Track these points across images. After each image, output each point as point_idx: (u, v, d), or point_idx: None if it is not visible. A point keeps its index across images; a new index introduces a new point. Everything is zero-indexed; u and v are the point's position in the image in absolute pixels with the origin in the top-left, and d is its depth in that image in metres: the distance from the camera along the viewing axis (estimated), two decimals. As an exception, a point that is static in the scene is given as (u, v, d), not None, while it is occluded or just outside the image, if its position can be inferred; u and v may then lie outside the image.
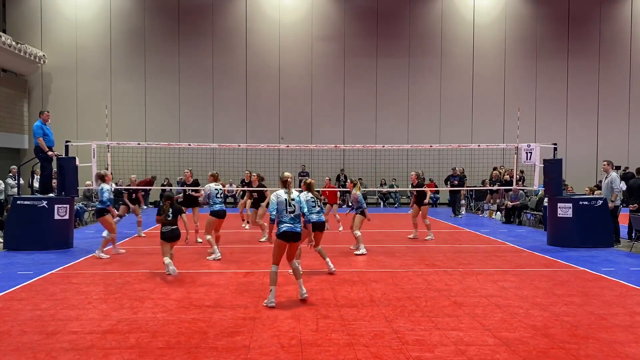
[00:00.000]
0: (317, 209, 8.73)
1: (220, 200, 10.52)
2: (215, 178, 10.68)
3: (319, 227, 8.61)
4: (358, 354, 5.04)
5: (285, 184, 7.08)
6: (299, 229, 6.91)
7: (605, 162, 12.47)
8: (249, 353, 5.07)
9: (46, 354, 5.03)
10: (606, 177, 12.35)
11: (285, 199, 6.88)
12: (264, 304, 6.71)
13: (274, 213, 6.79)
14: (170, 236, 8.65)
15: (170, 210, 8.74)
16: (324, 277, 8.46)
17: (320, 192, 13.06)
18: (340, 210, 17.06)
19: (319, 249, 8.64)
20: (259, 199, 12.73)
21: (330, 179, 17.83)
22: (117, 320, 6.06)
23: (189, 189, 13.37)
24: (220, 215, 10.44)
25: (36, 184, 14.29)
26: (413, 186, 13.36)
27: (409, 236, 13.30)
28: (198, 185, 13.46)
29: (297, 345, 5.28)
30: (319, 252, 8.72)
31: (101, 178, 10.71)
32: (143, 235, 13.78)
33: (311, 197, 8.56)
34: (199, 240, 12.20)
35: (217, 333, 5.65)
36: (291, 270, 7.36)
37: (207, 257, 10.14)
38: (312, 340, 5.43)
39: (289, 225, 6.81)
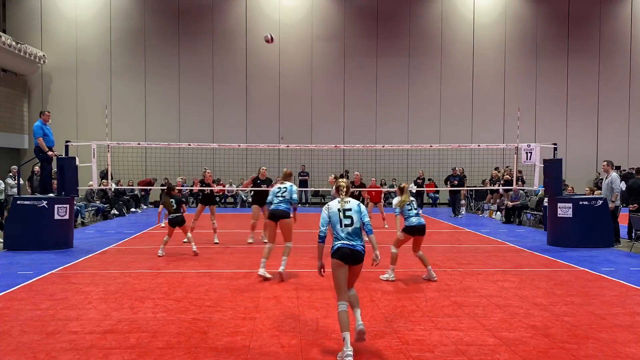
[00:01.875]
0: (414, 211, 8.31)
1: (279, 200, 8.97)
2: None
3: (419, 230, 8.25)
4: (358, 354, 5.03)
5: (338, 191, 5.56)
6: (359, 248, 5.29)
7: (605, 163, 12.47)
8: (249, 353, 5.07)
9: (46, 354, 5.03)
10: (606, 177, 12.35)
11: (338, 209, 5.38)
12: None
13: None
14: (174, 222, 10.33)
15: (173, 200, 10.38)
16: (323, 277, 8.43)
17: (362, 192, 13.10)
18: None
19: (420, 254, 8.33)
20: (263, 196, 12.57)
21: (375, 180, 18.15)
22: (117, 320, 6.06)
23: (207, 189, 13.35)
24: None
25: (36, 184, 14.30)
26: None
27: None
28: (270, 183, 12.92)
29: (297, 345, 5.28)
30: (420, 257, 8.33)
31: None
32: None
33: (406, 202, 8.27)
34: (216, 240, 12.16)
35: (217, 333, 5.65)
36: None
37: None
38: (312, 340, 5.43)
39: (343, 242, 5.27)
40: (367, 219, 5.41)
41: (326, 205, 5.49)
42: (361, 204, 5.52)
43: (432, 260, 10.00)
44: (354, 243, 5.25)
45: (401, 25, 25.30)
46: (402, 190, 8.51)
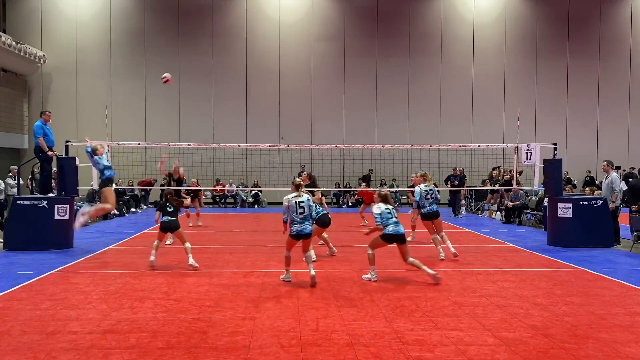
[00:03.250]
0: (394, 219, 8.15)
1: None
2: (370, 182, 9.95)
3: (398, 239, 8.10)
4: (358, 354, 5.04)
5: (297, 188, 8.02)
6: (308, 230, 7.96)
7: (605, 163, 12.46)
8: (249, 353, 5.07)
9: (46, 354, 5.03)
10: (606, 178, 12.35)
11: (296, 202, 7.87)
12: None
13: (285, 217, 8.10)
14: (167, 226, 9.40)
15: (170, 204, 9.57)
16: (323, 277, 8.45)
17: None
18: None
19: (411, 260, 8.11)
20: None
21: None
22: (117, 320, 6.06)
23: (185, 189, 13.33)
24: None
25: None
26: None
27: (408, 238, 13.18)
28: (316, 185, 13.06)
29: (297, 345, 5.28)
30: (412, 263, 8.12)
31: (94, 151, 10.91)
32: (200, 224, 15.04)
33: (385, 208, 8.16)
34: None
35: (217, 333, 5.65)
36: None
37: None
38: (312, 340, 5.43)
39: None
40: (314, 209, 8.60)
41: (285, 198, 7.95)
42: (310, 197, 8.09)
43: (433, 260, 10.00)
44: (305, 225, 7.87)
45: (401, 25, 25.30)
46: (384, 199, 8.29)
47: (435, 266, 9.01)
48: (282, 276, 8.26)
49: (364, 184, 18.57)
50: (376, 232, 8.18)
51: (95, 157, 10.83)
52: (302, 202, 7.85)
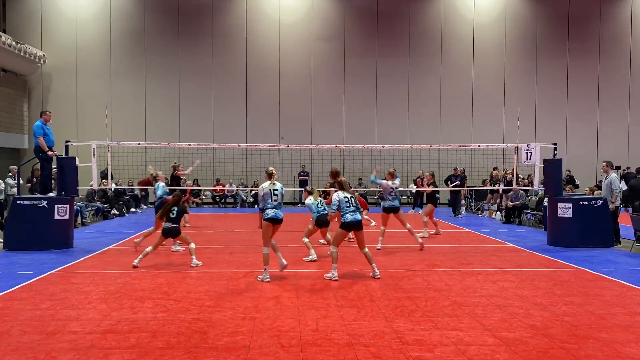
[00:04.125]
0: (352, 208, 8.37)
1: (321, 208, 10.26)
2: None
3: (355, 226, 8.34)
4: (358, 354, 5.04)
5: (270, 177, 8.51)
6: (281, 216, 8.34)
7: (604, 163, 12.46)
8: (249, 353, 5.07)
9: (46, 354, 5.03)
10: (606, 178, 12.35)
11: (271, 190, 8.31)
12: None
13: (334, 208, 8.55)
14: (168, 232, 9.37)
15: (175, 208, 9.43)
16: (323, 277, 8.45)
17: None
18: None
19: (365, 251, 8.41)
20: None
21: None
22: (117, 320, 6.06)
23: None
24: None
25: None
26: (428, 185, 14.53)
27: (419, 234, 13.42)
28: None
29: (297, 345, 5.28)
30: (365, 254, 8.43)
31: (154, 179, 11.64)
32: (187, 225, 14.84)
33: (344, 196, 8.41)
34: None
35: (217, 333, 5.65)
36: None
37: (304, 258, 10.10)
38: (312, 340, 5.43)
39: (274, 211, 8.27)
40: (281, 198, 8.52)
41: (260, 186, 8.49)
42: (282, 187, 8.49)
43: (433, 260, 10.02)
44: (278, 212, 8.26)
45: (401, 25, 25.30)
46: (342, 186, 8.55)
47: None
48: (260, 276, 8.27)
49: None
50: (335, 219, 8.67)
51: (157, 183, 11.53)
52: (276, 190, 8.33)
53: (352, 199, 8.47)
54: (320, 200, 10.32)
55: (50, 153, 11.85)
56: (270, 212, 8.19)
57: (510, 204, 16.86)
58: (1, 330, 5.73)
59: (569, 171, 23.25)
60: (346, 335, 5.57)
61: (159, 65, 24.71)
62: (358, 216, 8.37)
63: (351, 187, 11.15)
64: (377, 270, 8.39)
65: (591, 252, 10.93)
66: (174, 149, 22.13)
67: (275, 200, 8.26)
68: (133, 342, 5.34)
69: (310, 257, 9.94)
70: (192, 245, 9.51)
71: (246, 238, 13.25)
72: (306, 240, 10.22)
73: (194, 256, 9.37)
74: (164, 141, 19.81)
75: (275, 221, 8.24)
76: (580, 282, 8.20)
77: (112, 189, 18.69)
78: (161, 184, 11.58)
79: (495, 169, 20.72)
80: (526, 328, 5.85)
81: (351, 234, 8.97)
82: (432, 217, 13.85)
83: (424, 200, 15.33)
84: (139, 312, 6.40)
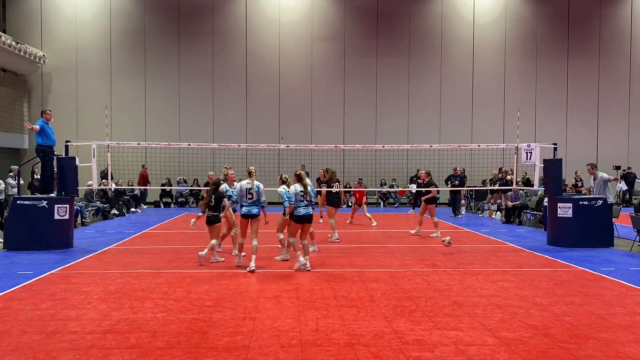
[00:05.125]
0: (305, 202, 8.96)
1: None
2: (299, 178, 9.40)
3: (306, 219, 8.99)
4: (358, 354, 5.04)
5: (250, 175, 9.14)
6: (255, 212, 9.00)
7: (589, 166, 12.64)
8: (249, 353, 5.07)
9: (46, 354, 5.03)
10: (595, 179, 12.45)
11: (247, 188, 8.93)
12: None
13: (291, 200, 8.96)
14: (209, 221, 9.56)
15: (213, 196, 9.40)
16: (323, 276, 8.46)
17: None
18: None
19: (304, 243, 9.07)
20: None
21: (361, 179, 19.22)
22: (117, 320, 6.06)
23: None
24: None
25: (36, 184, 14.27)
26: (423, 184, 14.35)
27: (411, 232, 13.91)
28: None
29: (297, 345, 5.28)
30: (303, 245, 9.05)
31: (225, 179, 11.02)
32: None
33: (300, 190, 8.94)
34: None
35: (217, 333, 5.65)
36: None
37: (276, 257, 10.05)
38: (312, 340, 5.43)
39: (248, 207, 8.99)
40: (263, 198, 9.20)
41: (238, 185, 9.15)
42: (260, 185, 9.05)
43: (433, 260, 10.02)
44: (252, 208, 8.94)
45: (401, 25, 25.30)
46: (299, 179, 9.01)
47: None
48: (237, 261, 9.19)
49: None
50: (290, 209, 9.06)
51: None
52: (251, 189, 8.95)
53: (306, 194, 8.98)
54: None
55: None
56: (244, 210, 9.00)
57: (510, 204, 16.86)
58: (1, 330, 5.73)
59: (576, 172, 22.61)
60: (346, 335, 5.57)
61: (159, 65, 24.71)
62: (310, 210, 9.05)
63: (337, 183, 12.60)
64: (304, 260, 8.89)
65: (591, 252, 10.93)
66: (174, 149, 22.16)
67: (249, 199, 8.92)
68: (133, 342, 5.34)
69: (312, 247, 10.47)
70: (214, 242, 9.51)
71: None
72: (293, 239, 9.43)
73: (207, 250, 9.41)
74: (164, 141, 19.83)
75: (248, 216, 8.97)
76: (580, 282, 8.20)
77: (112, 189, 18.68)
78: (230, 187, 10.34)
79: (500, 170, 20.64)
80: (526, 328, 5.85)
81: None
82: (423, 214, 13.71)
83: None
84: (139, 312, 6.40)
